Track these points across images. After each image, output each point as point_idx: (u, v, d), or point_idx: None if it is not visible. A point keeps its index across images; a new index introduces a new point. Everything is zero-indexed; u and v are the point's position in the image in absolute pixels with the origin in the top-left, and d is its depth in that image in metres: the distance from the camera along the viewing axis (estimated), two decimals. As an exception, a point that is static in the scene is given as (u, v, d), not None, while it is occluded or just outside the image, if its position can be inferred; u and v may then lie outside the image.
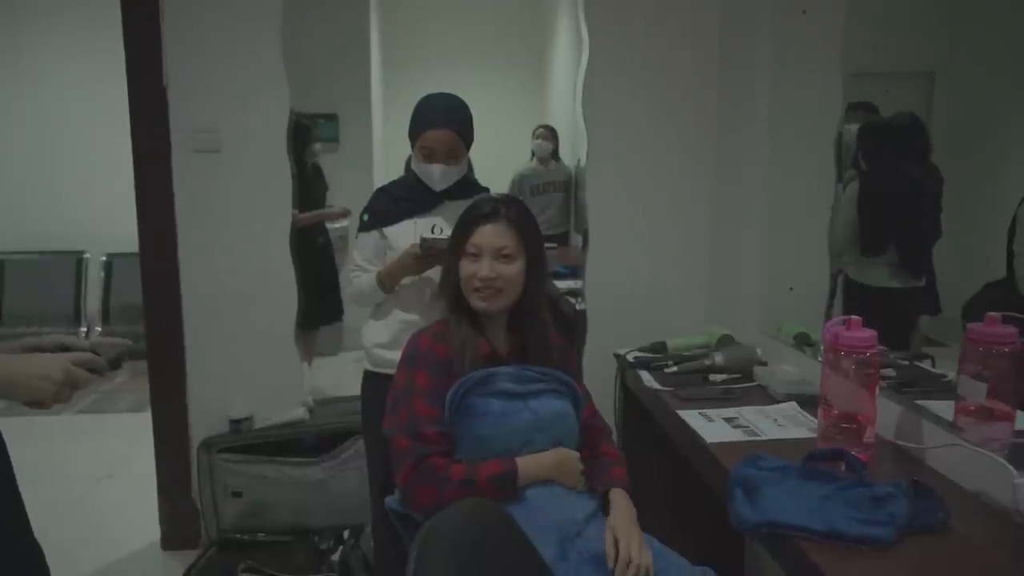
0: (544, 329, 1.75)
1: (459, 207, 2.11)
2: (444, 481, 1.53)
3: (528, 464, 1.58)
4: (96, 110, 5.18)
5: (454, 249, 1.71)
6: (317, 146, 4.33)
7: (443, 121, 2.04)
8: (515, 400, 1.63)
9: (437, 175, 2.06)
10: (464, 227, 1.69)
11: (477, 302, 1.66)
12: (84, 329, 5.34)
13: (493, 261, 1.65)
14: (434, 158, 2.05)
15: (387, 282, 2.09)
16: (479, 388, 1.62)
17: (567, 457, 1.64)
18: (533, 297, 1.73)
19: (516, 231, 1.67)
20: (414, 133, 2.07)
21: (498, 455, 1.58)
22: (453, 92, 2.14)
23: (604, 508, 1.65)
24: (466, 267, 1.67)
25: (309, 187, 3.96)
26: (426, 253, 1.99)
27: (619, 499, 1.65)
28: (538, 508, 1.54)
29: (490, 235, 1.66)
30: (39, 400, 1.17)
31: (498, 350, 1.71)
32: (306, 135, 4.11)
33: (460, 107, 2.09)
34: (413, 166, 2.11)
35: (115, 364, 1.28)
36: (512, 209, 1.70)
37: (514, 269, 1.66)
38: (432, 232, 2.09)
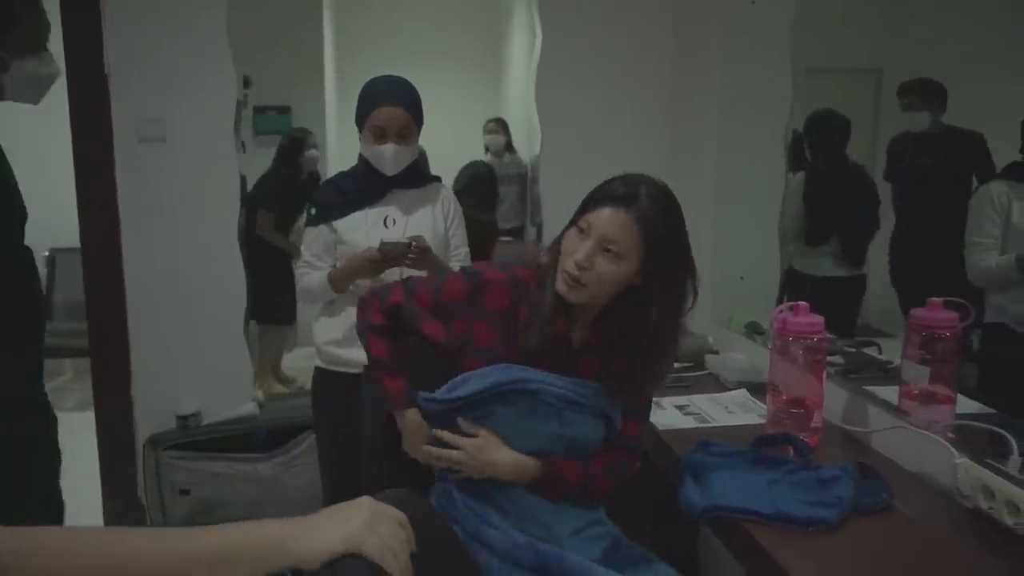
0: (642, 378, 1.45)
1: (411, 196, 2.09)
2: (368, 317, 1.55)
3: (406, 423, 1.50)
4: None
5: (575, 214, 1.41)
6: (314, 152, 4.34)
7: (394, 98, 1.98)
8: (551, 404, 1.43)
9: (389, 155, 1.99)
10: (592, 197, 1.39)
11: (561, 284, 1.37)
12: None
13: (596, 248, 1.34)
14: (386, 137, 1.98)
15: (339, 284, 2.02)
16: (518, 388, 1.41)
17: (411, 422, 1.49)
18: (645, 330, 1.38)
19: (641, 230, 1.32)
20: (363, 114, 2.00)
21: (508, 437, 1.42)
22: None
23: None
24: (570, 240, 1.37)
25: (301, 193, 3.93)
26: (384, 258, 1.93)
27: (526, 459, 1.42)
28: (497, 527, 1.40)
29: (609, 220, 1.33)
30: None
31: (573, 339, 1.45)
32: (300, 145, 4.23)
33: (409, 86, 2.04)
34: (363, 151, 2.04)
35: None
36: (653, 203, 1.34)
37: (612, 270, 1.34)
38: (385, 224, 2.05)
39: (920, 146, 1.88)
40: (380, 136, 1.98)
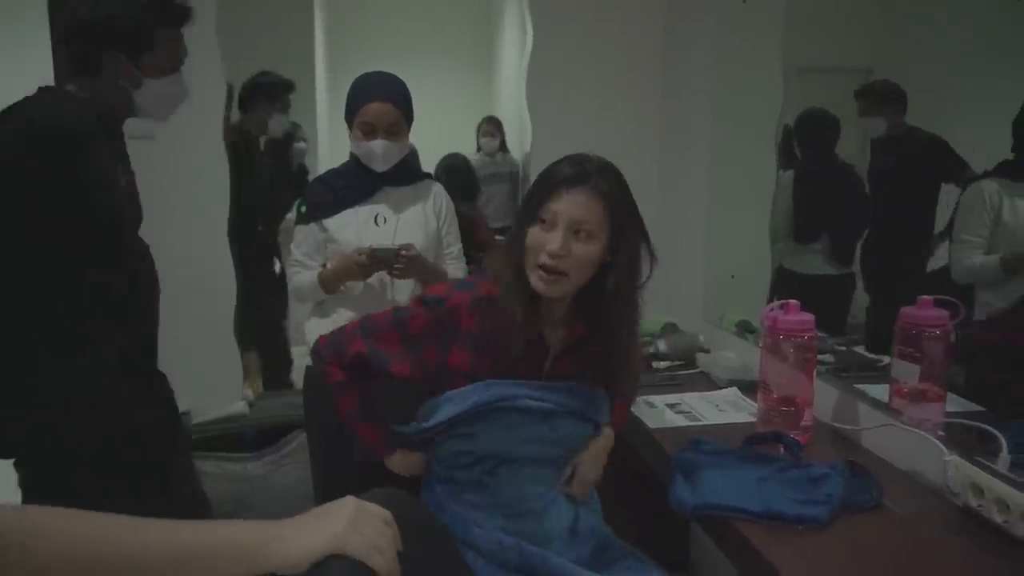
0: (619, 359, 1.46)
1: (401, 194, 2.08)
2: (326, 379, 1.52)
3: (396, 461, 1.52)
4: (20, 94, 4.97)
5: (524, 211, 1.40)
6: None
7: (383, 94, 1.96)
8: (534, 413, 1.42)
9: (379, 152, 1.97)
10: (542, 187, 1.38)
11: (538, 282, 1.35)
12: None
13: (567, 234, 1.33)
14: (375, 133, 1.96)
15: (329, 285, 2.01)
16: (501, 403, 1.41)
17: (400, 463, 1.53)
18: (614, 307, 1.40)
19: (604, 205, 1.34)
20: (352, 110, 1.98)
21: (496, 450, 1.43)
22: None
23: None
24: (535, 235, 1.35)
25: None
26: (372, 262, 1.92)
27: (600, 435, 1.51)
28: (492, 531, 1.39)
29: (571, 203, 1.33)
30: None
31: (547, 339, 1.45)
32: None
33: (399, 82, 2.02)
34: (352, 147, 2.02)
35: None
36: (604, 177, 1.36)
37: (588, 250, 1.34)
38: (376, 222, 2.03)
39: (883, 149, 1.89)
40: (369, 132, 1.97)
